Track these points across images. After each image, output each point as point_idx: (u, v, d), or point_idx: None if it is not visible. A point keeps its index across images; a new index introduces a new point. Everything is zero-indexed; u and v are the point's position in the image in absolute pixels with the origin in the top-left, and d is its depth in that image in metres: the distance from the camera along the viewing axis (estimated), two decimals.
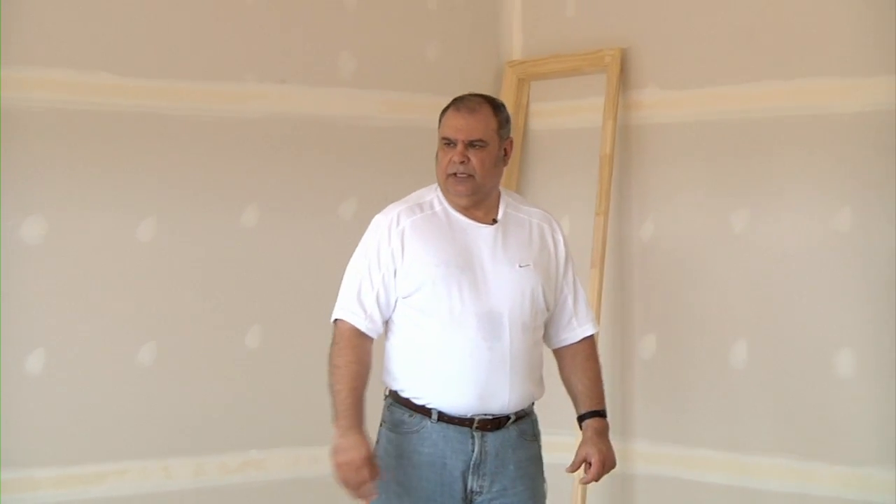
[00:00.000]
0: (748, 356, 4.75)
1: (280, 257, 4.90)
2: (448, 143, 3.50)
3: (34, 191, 4.45)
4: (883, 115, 4.45)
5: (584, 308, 3.66)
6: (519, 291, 3.49)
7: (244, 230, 4.84)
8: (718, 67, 4.84)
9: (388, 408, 3.56)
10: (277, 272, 4.89)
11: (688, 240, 4.93)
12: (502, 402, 3.47)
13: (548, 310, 3.58)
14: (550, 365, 3.66)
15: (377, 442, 3.52)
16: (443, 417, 3.46)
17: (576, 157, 5.22)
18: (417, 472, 3.46)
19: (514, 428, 3.52)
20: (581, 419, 3.60)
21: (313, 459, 4.91)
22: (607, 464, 3.54)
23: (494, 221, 3.54)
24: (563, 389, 3.66)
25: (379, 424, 3.53)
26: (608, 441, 3.58)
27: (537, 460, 3.60)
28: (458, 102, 3.53)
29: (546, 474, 3.63)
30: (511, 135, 3.59)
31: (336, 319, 3.51)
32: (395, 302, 3.49)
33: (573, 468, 3.57)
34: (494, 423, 3.49)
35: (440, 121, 3.54)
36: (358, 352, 3.46)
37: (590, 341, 3.67)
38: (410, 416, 3.49)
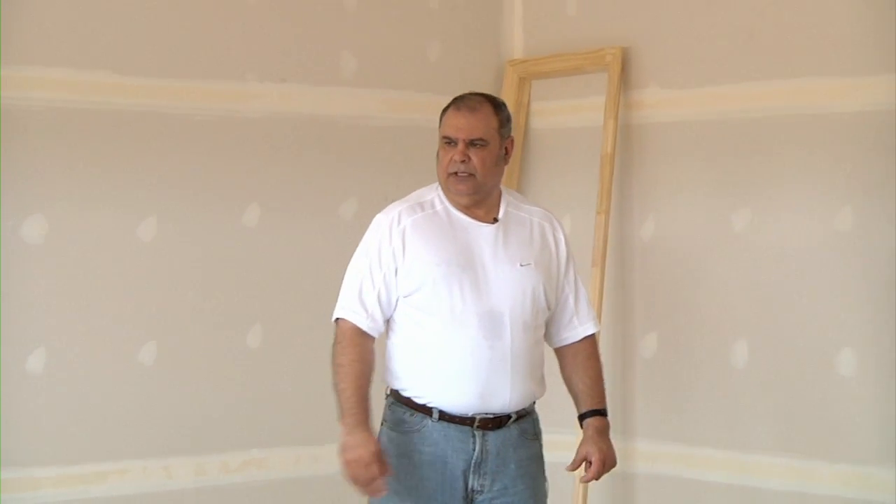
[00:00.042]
0: (749, 355, 4.75)
1: (281, 257, 4.89)
2: (449, 142, 3.50)
3: (35, 190, 4.45)
4: (884, 114, 4.45)
5: (585, 307, 3.66)
6: (520, 290, 3.49)
7: (245, 230, 4.83)
8: (719, 67, 4.84)
9: (389, 407, 3.56)
10: (278, 272, 4.89)
11: (689, 239, 4.92)
12: (503, 401, 3.47)
13: (549, 309, 3.58)
14: (552, 364, 3.66)
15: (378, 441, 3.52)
16: (444, 416, 3.46)
17: (577, 156, 5.22)
18: (418, 471, 3.46)
19: (515, 427, 3.52)
20: (582, 418, 3.60)
21: (314, 459, 4.93)
22: (608, 463, 3.54)
23: (495, 220, 3.54)
24: (563, 388, 3.66)
25: (380, 423, 3.53)
26: (609, 440, 3.58)
27: (538, 459, 3.60)
28: (458, 101, 3.53)
29: (547, 473, 3.63)
30: (512, 134, 3.59)
31: (337, 319, 3.51)
32: (396, 301, 3.49)
33: (573, 467, 3.57)
34: (495, 422, 3.49)
35: (441, 120, 3.54)
36: (361, 350, 3.46)
37: (591, 340, 3.67)
38: (411, 414, 3.49)
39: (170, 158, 4.69)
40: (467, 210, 3.52)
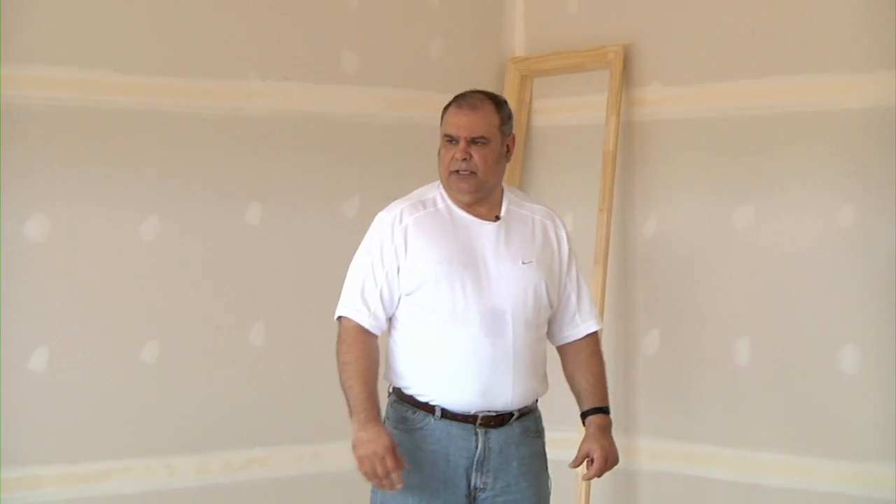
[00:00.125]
0: (751, 352, 4.75)
1: (283, 255, 4.90)
2: (450, 140, 3.50)
3: (36, 189, 4.45)
4: (886, 111, 4.45)
5: (587, 305, 3.66)
6: (522, 288, 3.49)
7: (247, 228, 4.84)
8: (721, 64, 4.84)
9: (391, 405, 3.56)
10: (281, 270, 4.89)
11: (691, 236, 4.92)
12: (505, 398, 3.48)
13: (551, 306, 3.58)
14: (554, 361, 3.66)
15: None
16: (446, 414, 3.47)
17: (579, 153, 5.22)
18: (421, 468, 3.46)
19: (517, 424, 3.52)
20: (584, 416, 3.60)
21: (317, 457, 4.93)
22: (610, 460, 3.54)
23: (497, 218, 3.54)
24: (566, 386, 3.66)
25: (382, 421, 3.53)
26: (611, 438, 3.58)
27: (541, 457, 3.61)
28: (459, 99, 3.53)
29: (550, 470, 3.63)
30: (513, 131, 3.59)
31: (340, 317, 3.51)
32: (399, 299, 3.49)
33: (576, 464, 3.57)
34: (498, 420, 3.49)
35: (442, 118, 3.54)
36: (365, 347, 3.46)
37: (593, 338, 3.67)
38: (414, 412, 3.49)
39: (172, 157, 4.69)
40: (469, 208, 3.52)
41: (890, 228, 4.45)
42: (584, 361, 3.64)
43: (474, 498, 3.50)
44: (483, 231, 3.51)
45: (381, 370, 3.52)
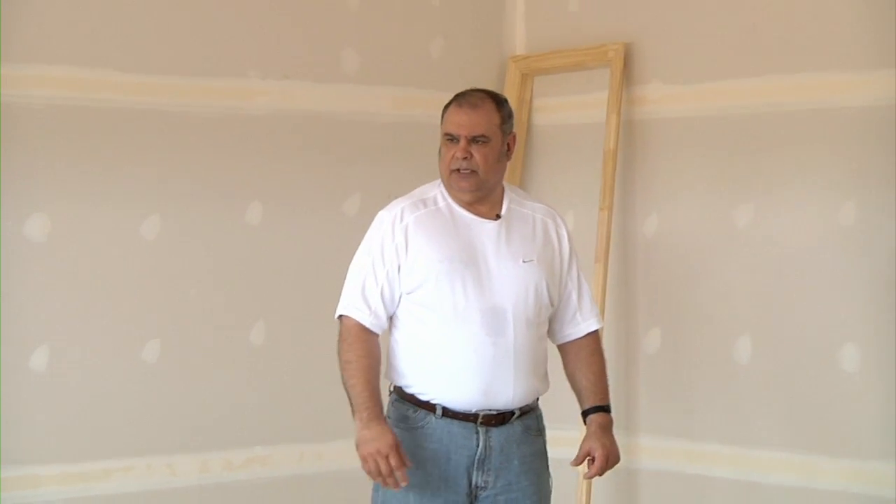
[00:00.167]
0: (752, 351, 4.75)
1: (284, 254, 4.90)
2: (451, 138, 3.50)
3: (37, 189, 4.45)
4: (887, 109, 4.45)
5: (588, 303, 3.66)
6: (523, 287, 3.49)
7: (248, 227, 4.84)
8: (722, 62, 4.84)
9: (392, 403, 3.56)
10: (281, 269, 4.89)
11: (692, 235, 4.92)
12: (506, 397, 3.48)
13: (552, 305, 3.58)
14: (555, 360, 3.66)
15: None
16: (447, 413, 3.47)
17: (579, 152, 5.22)
18: (422, 467, 3.46)
19: (518, 423, 3.52)
20: (585, 414, 3.60)
21: (318, 456, 4.93)
22: (611, 459, 3.54)
23: (498, 217, 3.54)
24: (567, 384, 3.66)
25: (384, 418, 3.53)
26: (612, 436, 3.58)
27: (542, 455, 3.61)
28: (460, 98, 3.53)
29: (551, 469, 3.63)
30: (514, 130, 3.59)
31: (341, 315, 3.51)
32: (399, 298, 3.49)
33: (577, 462, 3.57)
34: (499, 419, 3.49)
35: (443, 116, 3.54)
36: (367, 346, 3.46)
37: (594, 336, 3.67)
38: (415, 411, 3.49)
39: (172, 156, 4.69)
40: (470, 206, 3.52)
41: (890, 226, 4.45)
42: (585, 360, 3.64)
43: (475, 496, 3.50)
44: (484, 230, 3.51)
45: (383, 369, 3.52)
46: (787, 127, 4.69)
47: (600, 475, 3.57)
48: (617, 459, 3.57)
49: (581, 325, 3.65)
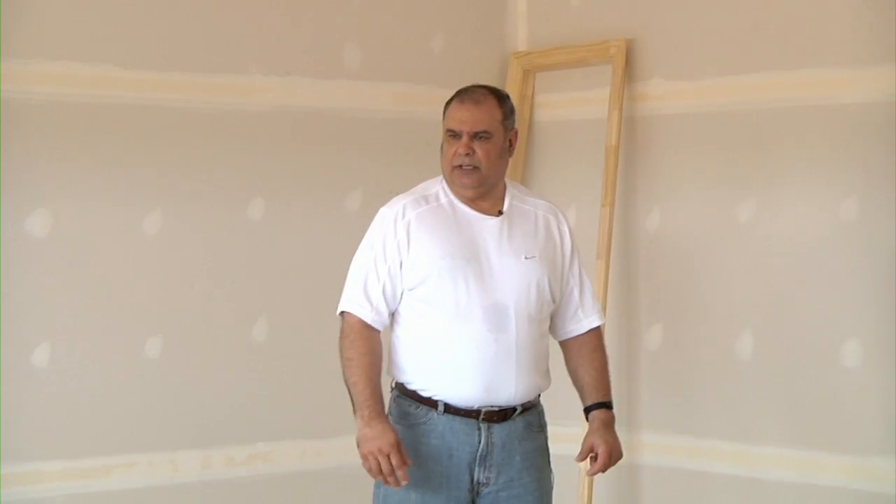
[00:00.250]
0: (754, 347, 4.75)
1: (286, 250, 4.90)
2: (453, 134, 3.49)
3: (38, 185, 4.45)
4: (888, 105, 4.45)
5: (590, 299, 3.66)
6: (525, 283, 3.49)
7: (250, 223, 4.84)
8: (724, 58, 4.84)
9: (394, 400, 3.56)
10: (283, 265, 4.89)
11: (693, 231, 4.92)
12: (508, 393, 3.48)
13: (554, 301, 3.58)
14: (556, 356, 3.66)
15: None
16: (449, 409, 3.47)
17: (581, 148, 5.22)
18: (424, 463, 3.46)
19: (520, 419, 3.52)
20: (587, 410, 3.60)
21: (319, 452, 4.93)
22: (614, 455, 3.54)
23: (500, 213, 3.54)
24: (569, 380, 3.66)
25: (385, 416, 3.53)
26: (614, 432, 3.58)
27: (544, 451, 3.61)
28: (462, 94, 3.53)
29: (553, 465, 3.63)
30: (516, 126, 3.59)
31: (342, 312, 3.51)
32: (401, 294, 3.49)
33: (581, 458, 3.57)
34: (501, 415, 3.49)
35: (444, 112, 3.54)
36: (369, 343, 3.46)
37: (596, 333, 3.66)
38: (417, 407, 3.49)
39: (174, 152, 4.69)
40: (472, 203, 3.52)
41: (892, 222, 4.45)
42: (587, 356, 3.64)
43: (477, 493, 3.50)
44: (486, 226, 3.50)
45: (384, 365, 3.52)
46: (788, 123, 4.69)
47: (603, 472, 3.57)
48: (620, 456, 3.57)
49: (583, 321, 3.65)
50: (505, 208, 3.54)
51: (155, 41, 4.65)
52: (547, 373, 3.59)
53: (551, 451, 3.63)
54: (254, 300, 4.84)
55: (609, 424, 3.57)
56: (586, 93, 5.22)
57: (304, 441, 4.93)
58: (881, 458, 4.46)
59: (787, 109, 4.69)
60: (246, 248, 4.82)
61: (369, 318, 3.48)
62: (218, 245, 4.77)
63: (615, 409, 3.63)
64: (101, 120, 4.55)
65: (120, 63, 4.58)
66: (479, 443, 3.48)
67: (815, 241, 4.62)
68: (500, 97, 3.55)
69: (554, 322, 3.63)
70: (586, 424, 3.60)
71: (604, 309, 4.66)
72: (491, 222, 3.51)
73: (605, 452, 3.52)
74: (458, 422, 3.47)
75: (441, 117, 3.55)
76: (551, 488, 3.62)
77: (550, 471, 3.62)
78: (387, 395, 3.54)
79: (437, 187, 3.55)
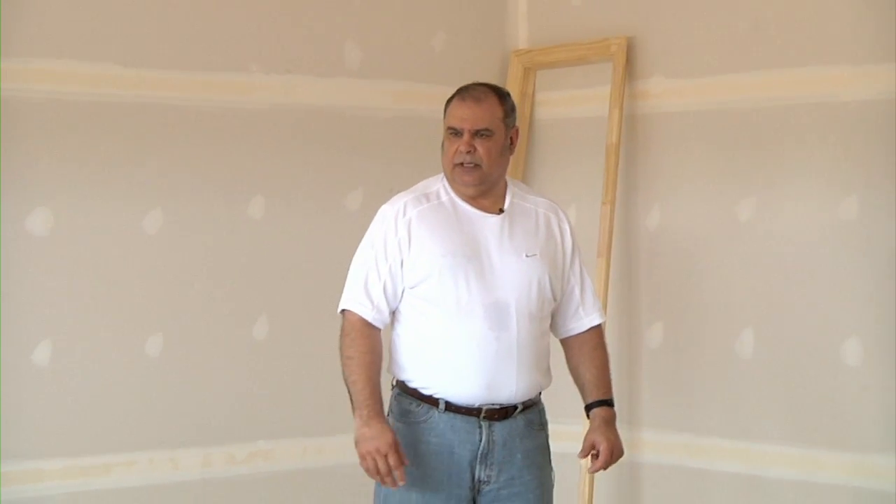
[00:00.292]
0: (754, 345, 4.75)
1: (286, 248, 4.90)
2: (454, 132, 3.49)
3: (39, 183, 4.45)
4: (888, 103, 4.46)
5: (590, 298, 3.66)
6: (526, 281, 3.49)
7: (250, 221, 4.84)
8: (724, 56, 4.84)
9: (395, 398, 3.56)
10: (284, 263, 4.89)
11: (694, 229, 4.92)
12: (509, 391, 3.47)
13: (555, 299, 3.58)
14: (558, 354, 3.66)
15: None
16: (450, 407, 3.46)
17: (582, 146, 5.22)
18: (425, 461, 3.46)
19: (521, 417, 3.52)
20: (589, 408, 3.60)
21: (320, 450, 4.93)
22: (615, 452, 3.54)
23: (501, 211, 3.53)
24: (570, 378, 3.66)
25: (386, 414, 3.53)
26: (615, 430, 3.58)
27: (545, 449, 3.61)
28: (463, 92, 3.53)
29: (553, 463, 3.63)
30: (517, 124, 3.59)
31: (343, 310, 3.51)
32: (402, 292, 3.49)
33: (584, 454, 3.57)
34: (502, 413, 3.49)
35: (445, 110, 3.54)
36: (369, 341, 3.46)
37: (597, 331, 3.66)
38: (418, 405, 3.49)
39: (174, 150, 4.69)
40: (473, 201, 3.52)
41: (892, 221, 4.45)
42: (588, 354, 3.64)
43: (478, 491, 3.50)
44: (487, 224, 3.50)
45: (385, 363, 3.52)
46: (789, 121, 4.69)
47: (605, 469, 3.57)
48: (621, 453, 3.57)
49: (584, 319, 3.65)
50: (506, 206, 3.54)
51: (155, 39, 4.65)
52: (548, 371, 3.59)
53: (552, 449, 3.63)
54: (254, 298, 4.84)
55: (610, 422, 3.57)
56: (587, 91, 5.22)
57: (304, 439, 4.93)
58: (881, 456, 4.47)
59: (787, 108, 4.69)
60: (246, 247, 4.82)
61: (370, 316, 3.47)
62: (218, 243, 4.77)
63: (616, 407, 3.63)
64: (102, 118, 4.55)
65: (120, 61, 4.58)
66: (480, 441, 3.47)
67: (815, 239, 4.62)
68: (501, 95, 3.55)
69: (555, 320, 3.63)
70: (587, 422, 3.60)
71: (604, 307, 4.66)
72: (492, 220, 3.51)
73: (606, 450, 3.52)
74: (459, 420, 3.47)
75: (442, 115, 3.55)
76: (552, 486, 3.62)
77: (551, 469, 3.62)
78: (387, 394, 3.54)
79: (438, 185, 3.55)
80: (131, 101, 4.60)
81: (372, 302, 3.48)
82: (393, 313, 3.52)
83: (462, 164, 3.46)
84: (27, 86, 4.42)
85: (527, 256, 3.51)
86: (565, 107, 5.31)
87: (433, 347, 3.47)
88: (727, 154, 4.84)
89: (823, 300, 4.61)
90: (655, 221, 5.03)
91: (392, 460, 3.35)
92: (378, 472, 3.36)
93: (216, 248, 4.77)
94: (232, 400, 4.79)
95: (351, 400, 3.43)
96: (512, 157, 3.62)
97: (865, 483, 4.51)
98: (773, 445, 4.72)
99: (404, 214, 3.48)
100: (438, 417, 3.47)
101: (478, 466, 3.48)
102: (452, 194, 3.52)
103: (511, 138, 3.55)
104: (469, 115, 3.47)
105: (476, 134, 3.46)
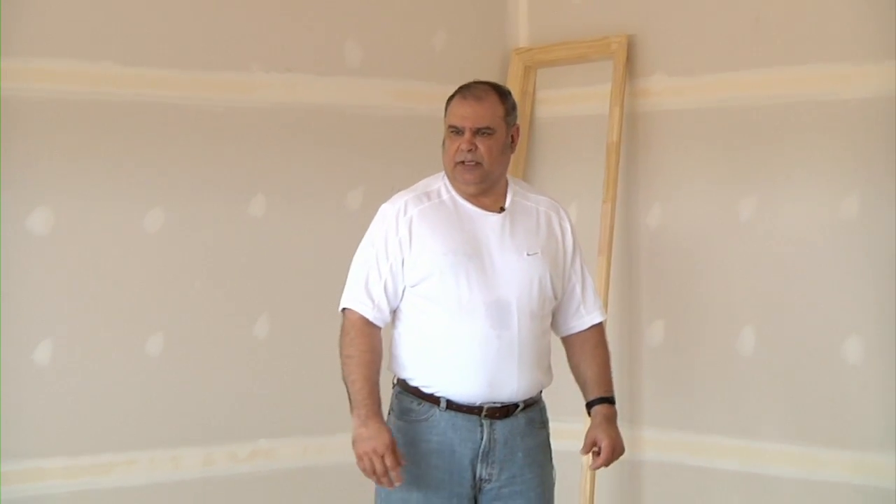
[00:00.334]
0: (755, 343, 4.75)
1: (287, 247, 4.90)
2: (455, 131, 3.49)
3: (39, 182, 4.45)
4: (890, 101, 4.45)
5: (591, 296, 3.66)
6: (527, 279, 3.49)
7: (251, 220, 4.84)
8: (725, 54, 4.84)
9: (396, 396, 3.56)
10: (285, 262, 4.89)
11: (695, 227, 4.92)
12: (511, 390, 3.48)
13: (556, 298, 3.58)
14: (559, 353, 3.66)
15: None
16: (451, 406, 3.46)
17: (583, 144, 5.22)
18: (426, 460, 3.46)
19: (522, 416, 3.52)
20: (590, 405, 3.60)
21: (321, 449, 4.93)
22: (616, 450, 3.55)
23: (502, 209, 3.53)
24: (571, 377, 3.67)
25: (387, 413, 3.53)
26: (616, 427, 3.58)
27: (546, 447, 3.61)
28: (464, 90, 3.53)
29: (555, 461, 3.63)
30: (518, 122, 3.59)
31: (344, 309, 3.51)
32: (403, 291, 3.49)
33: (585, 451, 3.57)
34: (503, 411, 3.49)
35: (446, 109, 3.54)
36: (369, 340, 3.46)
37: (598, 329, 3.67)
38: (419, 404, 3.49)
39: (175, 149, 4.69)
40: (474, 199, 3.52)
41: (893, 219, 4.44)
42: (590, 352, 3.64)
43: (479, 489, 3.50)
44: (488, 222, 3.50)
45: (385, 362, 3.52)
46: (790, 119, 4.68)
47: (606, 466, 3.57)
48: (622, 451, 3.57)
49: (585, 317, 3.65)
50: (507, 205, 3.54)
51: (155, 38, 4.65)
52: (549, 369, 3.59)
53: (553, 447, 3.63)
54: (255, 297, 4.84)
55: (611, 419, 3.57)
56: (587, 89, 5.22)
57: (306, 437, 4.93)
58: (882, 454, 4.46)
59: (788, 105, 4.69)
60: (247, 245, 4.82)
61: (371, 315, 3.47)
62: (219, 242, 4.77)
63: (616, 405, 3.63)
64: (102, 117, 4.55)
65: (120, 60, 4.58)
66: (482, 439, 3.47)
67: (816, 237, 4.62)
68: (502, 93, 3.55)
69: (556, 318, 3.63)
70: (588, 420, 3.60)
71: (605, 305, 4.65)
72: (493, 219, 3.51)
73: (608, 447, 3.53)
74: (460, 418, 3.47)
75: (442, 114, 3.55)
76: (553, 484, 3.62)
77: (552, 467, 3.63)
78: (388, 392, 3.54)
79: (439, 184, 3.55)
80: (131, 100, 4.60)
81: (373, 301, 3.48)
82: (394, 312, 3.52)
83: (463, 162, 3.46)
84: (27, 85, 4.42)
85: (528, 255, 3.51)
86: (566, 105, 5.30)
87: (434, 346, 3.47)
88: (728, 152, 4.84)
89: (824, 298, 4.61)
90: (656, 220, 5.03)
91: (389, 461, 3.35)
92: (374, 472, 3.36)
93: (217, 247, 4.77)
94: (233, 399, 4.79)
95: (349, 399, 3.44)
96: (513, 156, 3.62)
97: (866, 481, 4.51)
98: (774, 443, 4.72)
99: (405, 213, 3.48)
100: (439, 416, 3.47)
101: (479, 465, 3.48)
102: (453, 193, 3.52)
103: (512, 137, 3.55)
104: (470, 114, 3.47)
105: (477, 132, 3.46)
